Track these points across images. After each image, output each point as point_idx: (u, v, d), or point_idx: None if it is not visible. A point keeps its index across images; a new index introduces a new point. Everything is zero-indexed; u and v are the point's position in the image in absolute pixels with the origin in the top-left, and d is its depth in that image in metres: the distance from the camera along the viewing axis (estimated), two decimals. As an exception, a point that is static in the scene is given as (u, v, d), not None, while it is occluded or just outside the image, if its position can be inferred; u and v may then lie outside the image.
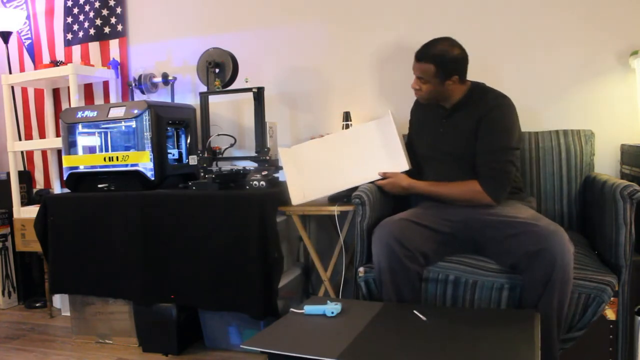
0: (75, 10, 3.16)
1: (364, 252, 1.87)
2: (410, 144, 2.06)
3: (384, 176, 1.92)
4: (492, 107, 1.80)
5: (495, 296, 1.66)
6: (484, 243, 1.75)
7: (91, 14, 3.10)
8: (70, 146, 2.54)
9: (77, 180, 2.55)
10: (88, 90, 3.18)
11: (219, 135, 2.52)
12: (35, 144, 3.19)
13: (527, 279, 1.58)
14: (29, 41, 3.33)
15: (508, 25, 2.31)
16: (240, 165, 2.48)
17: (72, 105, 2.84)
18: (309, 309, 1.53)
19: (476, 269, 1.69)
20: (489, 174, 1.77)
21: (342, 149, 2.04)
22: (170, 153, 2.59)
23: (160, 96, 2.95)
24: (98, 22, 3.09)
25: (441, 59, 1.80)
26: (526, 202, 1.89)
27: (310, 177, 2.04)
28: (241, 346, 1.40)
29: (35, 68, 3.22)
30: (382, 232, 1.72)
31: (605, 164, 2.19)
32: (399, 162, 1.93)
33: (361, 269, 1.82)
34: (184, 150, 2.70)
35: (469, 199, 1.78)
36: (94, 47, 3.12)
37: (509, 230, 1.64)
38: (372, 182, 1.94)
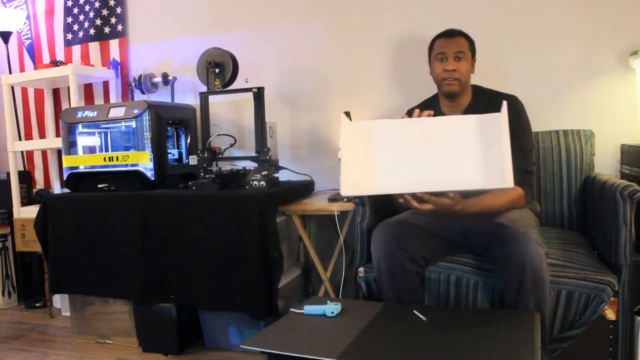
0: (75, 10, 3.16)
1: (363, 252, 1.87)
2: None
3: (451, 195, 1.49)
4: (517, 109, 1.77)
5: (497, 297, 1.66)
6: (476, 246, 1.74)
7: (91, 14, 3.10)
8: (70, 146, 2.54)
9: (77, 180, 2.54)
10: (88, 90, 3.18)
11: (219, 135, 2.52)
12: (35, 144, 3.19)
13: (502, 282, 1.57)
14: (29, 41, 3.33)
15: (507, 25, 2.31)
16: (240, 165, 2.48)
17: (72, 105, 2.84)
18: (309, 309, 1.52)
19: (476, 269, 1.70)
20: (524, 177, 1.71)
21: (428, 140, 1.50)
22: (170, 153, 2.59)
23: (160, 96, 2.95)
24: (98, 22, 3.09)
25: (467, 35, 1.83)
26: (530, 205, 1.84)
27: (377, 165, 1.51)
28: (241, 346, 1.40)
29: (35, 68, 3.22)
30: (381, 234, 1.70)
31: (605, 164, 2.19)
32: (504, 176, 1.36)
33: (361, 269, 1.82)
34: (184, 150, 2.70)
35: (513, 205, 1.70)
36: (94, 47, 3.12)
37: (492, 233, 1.61)
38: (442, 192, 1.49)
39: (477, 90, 1.87)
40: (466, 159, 1.44)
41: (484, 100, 1.82)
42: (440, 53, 1.81)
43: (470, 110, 1.83)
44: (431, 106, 1.91)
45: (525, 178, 1.73)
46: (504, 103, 1.44)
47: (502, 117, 1.42)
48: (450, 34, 1.82)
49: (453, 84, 1.80)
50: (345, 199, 2.09)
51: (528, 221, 1.64)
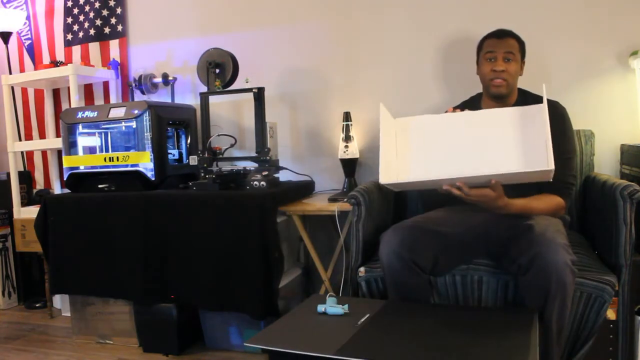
0: (75, 11, 3.16)
1: (359, 252, 1.86)
2: None
3: (492, 184, 1.48)
4: (561, 113, 1.76)
5: (501, 293, 1.67)
6: (496, 245, 1.69)
7: (91, 14, 3.10)
8: (71, 146, 2.54)
9: (77, 181, 2.55)
10: (88, 91, 3.18)
11: (219, 135, 2.52)
12: (35, 144, 3.19)
13: (523, 284, 1.55)
14: (29, 41, 3.33)
15: (507, 25, 2.31)
16: (241, 165, 2.48)
17: (72, 106, 2.84)
18: (330, 309, 1.48)
19: (481, 265, 1.71)
20: (563, 187, 1.68)
21: (468, 132, 1.56)
22: (171, 153, 2.59)
23: (161, 96, 2.95)
24: (98, 22, 3.09)
25: (518, 37, 1.81)
26: (559, 217, 1.78)
27: (415, 155, 1.57)
28: (245, 344, 1.40)
29: (36, 68, 3.22)
30: (393, 237, 1.65)
31: (605, 164, 2.19)
32: (544, 158, 1.42)
33: (362, 269, 1.82)
34: (184, 151, 2.70)
35: (554, 213, 1.70)
36: (94, 47, 3.12)
37: (519, 234, 1.58)
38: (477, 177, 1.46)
39: (522, 93, 1.85)
40: (506, 146, 1.50)
41: (533, 101, 1.78)
42: (490, 52, 1.79)
43: None
44: (471, 106, 1.88)
45: (564, 187, 1.70)
46: (544, 89, 1.48)
47: (542, 107, 1.46)
48: (500, 35, 1.80)
49: (501, 86, 1.78)
50: (345, 199, 2.09)
51: (557, 226, 1.62)
